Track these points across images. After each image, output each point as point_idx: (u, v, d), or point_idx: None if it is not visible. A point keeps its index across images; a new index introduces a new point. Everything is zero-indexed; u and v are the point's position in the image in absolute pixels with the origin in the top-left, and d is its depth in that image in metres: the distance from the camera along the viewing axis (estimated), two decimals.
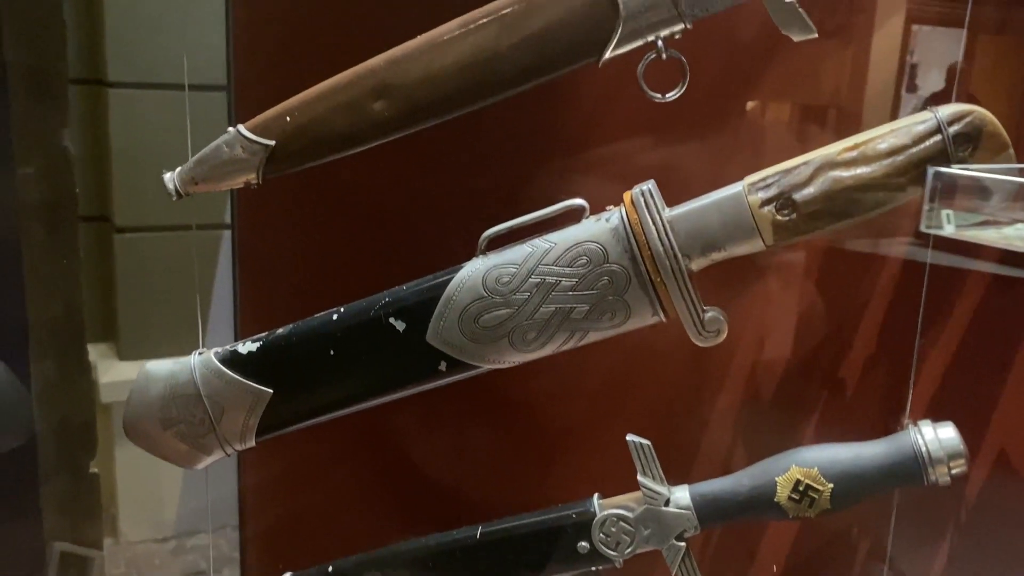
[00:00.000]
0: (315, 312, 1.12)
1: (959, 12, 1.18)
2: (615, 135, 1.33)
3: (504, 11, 1.02)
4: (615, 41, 1.00)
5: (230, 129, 1.11)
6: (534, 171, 1.30)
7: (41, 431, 1.81)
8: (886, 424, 1.09)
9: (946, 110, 0.93)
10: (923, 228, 0.97)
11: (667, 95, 1.02)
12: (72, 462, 1.98)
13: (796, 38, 0.97)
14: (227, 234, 1.61)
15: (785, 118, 1.42)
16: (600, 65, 1.02)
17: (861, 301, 1.36)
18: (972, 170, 0.92)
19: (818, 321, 1.39)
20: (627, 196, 1.02)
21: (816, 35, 0.96)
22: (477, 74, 1.03)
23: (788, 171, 0.96)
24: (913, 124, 0.94)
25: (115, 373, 2.49)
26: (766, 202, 0.96)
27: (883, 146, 0.93)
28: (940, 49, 1.32)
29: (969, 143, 0.91)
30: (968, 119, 0.91)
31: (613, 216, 1.02)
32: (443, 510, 1.52)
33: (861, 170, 0.93)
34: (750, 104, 1.39)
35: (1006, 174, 0.93)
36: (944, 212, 0.95)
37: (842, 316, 1.38)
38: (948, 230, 0.96)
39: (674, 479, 1.09)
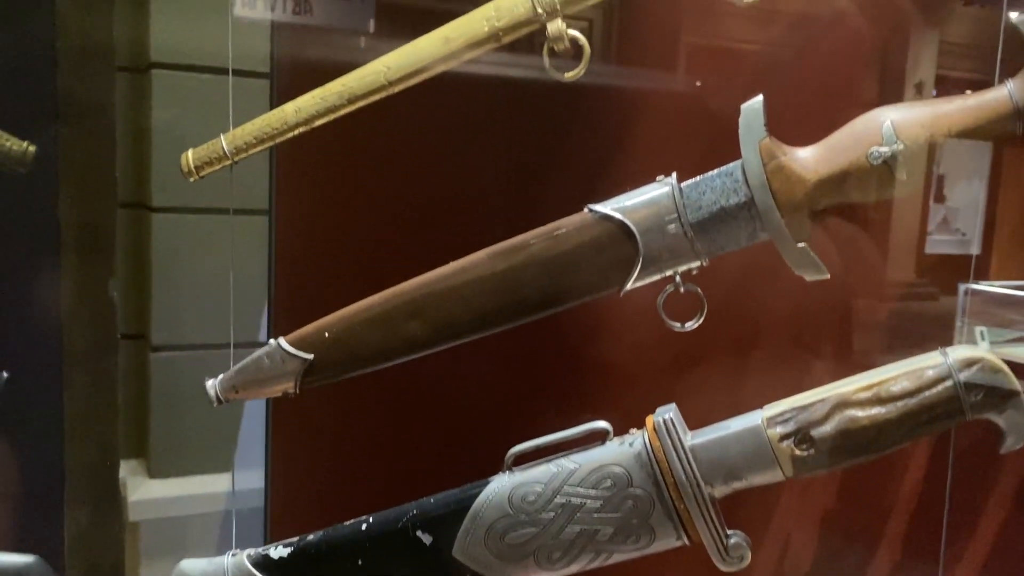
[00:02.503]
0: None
1: None
2: (638, 352, 1.37)
3: (531, 243, 1.09)
4: (635, 275, 1.05)
5: (271, 341, 1.17)
6: (559, 389, 1.35)
7: None
8: None
9: (956, 355, 0.96)
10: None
11: (686, 324, 1.07)
12: None
13: (809, 278, 1.02)
14: None
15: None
16: (621, 295, 1.07)
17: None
18: (1003, 287, 0.94)
19: (848, 499, 1.38)
20: (649, 422, 1.05)
21: (828, 276, 1.01)
22: (505, 300, 1.09)
23: (805, 407, 0.99)
24: (925, 368, 0.96)
25: (145, 491, 2.52)
26: (784, 437, 0.99)
27: (896, 388, 0.96)
28: (968, 162, 1.33)
29: (980, 389, 0.94)
30: (977, 367, 0.94)
31: (636, 441, 1.05)
32: None
33: (876, 411, 0.96)
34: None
35: None
36: (978, 329, 0.95)
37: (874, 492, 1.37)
38: (982, 347, 0.96)
39: None
